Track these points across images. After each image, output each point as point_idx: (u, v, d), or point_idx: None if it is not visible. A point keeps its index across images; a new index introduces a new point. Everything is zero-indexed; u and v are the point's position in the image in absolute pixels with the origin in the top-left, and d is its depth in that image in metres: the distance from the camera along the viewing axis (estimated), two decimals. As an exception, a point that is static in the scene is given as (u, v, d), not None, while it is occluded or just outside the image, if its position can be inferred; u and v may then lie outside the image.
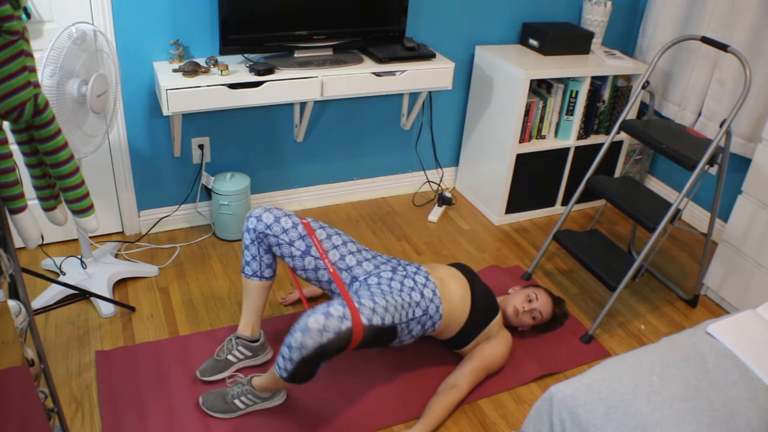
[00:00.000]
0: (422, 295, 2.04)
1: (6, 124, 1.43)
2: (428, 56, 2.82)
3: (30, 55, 1.40)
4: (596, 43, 3.25)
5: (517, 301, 2.34)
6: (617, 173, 3.45)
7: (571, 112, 3.10)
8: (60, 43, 1.95)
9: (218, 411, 1.98)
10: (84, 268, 2.49)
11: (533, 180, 3.19)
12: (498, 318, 2.24)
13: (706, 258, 2.64)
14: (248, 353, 2.16)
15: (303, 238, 2.09)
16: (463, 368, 2.15)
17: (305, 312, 1.78)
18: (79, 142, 2.15)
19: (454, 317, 2.13)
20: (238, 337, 2.16)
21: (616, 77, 3.15)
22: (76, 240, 2.80)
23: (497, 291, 2.69)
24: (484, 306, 2.19)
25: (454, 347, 2.24)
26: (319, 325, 1.72)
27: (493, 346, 2.20)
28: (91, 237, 2.79)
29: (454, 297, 2.12)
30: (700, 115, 3.10)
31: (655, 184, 3.59)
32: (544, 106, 3.07)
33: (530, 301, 2.34)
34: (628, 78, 3.24)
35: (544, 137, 3.16)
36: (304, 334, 1.72)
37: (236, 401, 1.99)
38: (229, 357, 2.14)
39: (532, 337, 2.45)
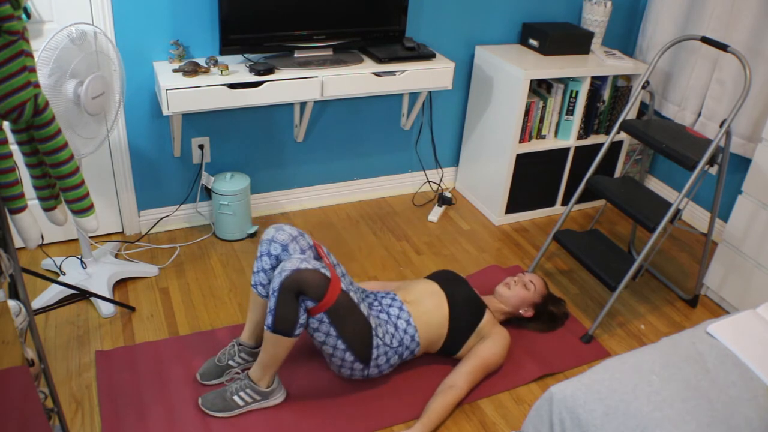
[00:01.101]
0: (396, 327, 2.11)
1: (6, 124, 1.43)
2: (428, 56, 2.82)
3: (30, 55, 1.40)
4: (596, 43, 3.25)
5: (505, 281, 2.41)
6: (617, 173, 3.45)
7: (571, 112, 3.10)
8: (54, 44, 1.94)
9: (217, 410, 1.98)
10: (84, 268, 2.49)
11: (533, 180, 3.19)
12: (488, 318, 2.24)
13: (706, 258, 2.64)
14: (249, 359, 2.16)
15: (311, 249, 2.12)
16: (461, 368, 2.15)
17: None
18: (79, 144, 2.15)
19: (433, 336, 2.18)
20: (240, 344, 2.16)
21: (616, 77, 3.15)
22: (76, 240, 2.80)
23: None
24: (465, 314, 2.20)
25: (447, 355, 2.25)
26: (301, 258, 1.88)
27: (488, 345, 2.20)
28: (91, 237, 2.79)
29: (430, 318, 2.16)
30: (700, 115, 3.10)
31: (655, 184, 3.59)
32: (544, 106, 3.07)
33: (517, 276, 2.43)
34: (628, 78, 3.24)
35: (544, 137, 3.16)
36: (286, 262, 1.87)
37: (235, 397, 1.99)
38: (230, 363, 2.14)
39: (532, 337, 2.45)
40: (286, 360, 2.23)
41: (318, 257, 2.10)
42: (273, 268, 2.07)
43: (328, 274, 1.90)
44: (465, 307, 2.20)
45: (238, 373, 2.13)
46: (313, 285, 1.85)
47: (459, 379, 2.12)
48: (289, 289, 1.84)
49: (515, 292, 2.37)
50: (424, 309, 2.17)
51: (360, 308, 2.00)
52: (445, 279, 2.29)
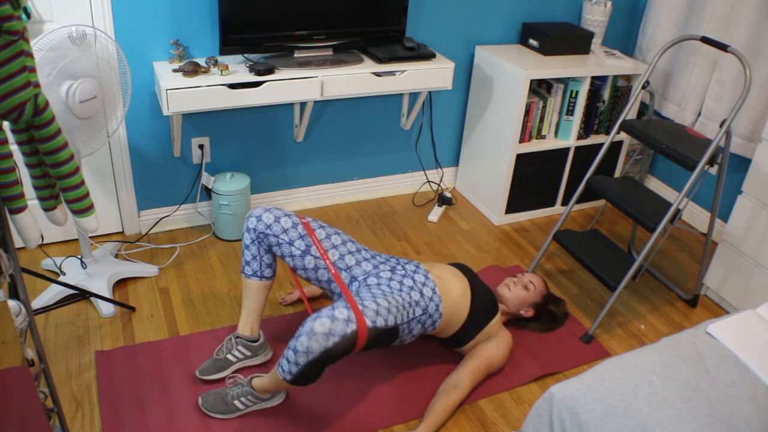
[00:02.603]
0: (422, 294, 2.04)
1: (6, 124, 1.43)
2: (428, 56, 2.82)
3: (30, 55, 1.40)
4: (596, 43, 3.25)
5: (505, 282, 2.41)
6: (617, 173, 3.45)
7: (571, 112, 3.10)
8: (43, 44, 1.94)
9: (218, 412, 1.98)
10: (84, 268, 2.49)
11: (533, 180, 3.19)
12: (497, 318, 2.24)
13: (706, 258, 2.64)
14: (248, 353, 2.16)
15: (303, 238, 2.09)
16: (464, 368, 2.15)
17: (309, 316, 1.78)
18: (79, 144, 2.15)
19: (454, 315, 2.13)
20: (237, 337, 2.16)
21: (616, 77, 3.15)
22: (76, 240, 2.80)
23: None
24: (483, 305, 2.19)
25: (454, 345, 2.24)
26: (324, 329, 1.72)
27: (493, 346, 2.20)
28: (91, 237, 2.79)
29: (454, 295, 2.12)
30: (700, 115, 3.10)
31: (655, 184, 3.59)
32: (544, 106, 3.07)
33: (516, 277, 2.42)
34: (628, 78, 3.24)
35: (544, 137, 3.16)
36: (310, 339, 1.72)
37: (236, 402, 1.99)
38: (229, 356, 2.14)
39: (532, 337, 2.45)
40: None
41: (306, 234, 2.09)
42: (268, 251, 2.11)
43: (354, 326, 1.76)
44: (484, 301, 2.20)
45: (240, 377, 2.11)
46: (341, 352, 1.76)
47: (462, 379, 2.12)
48: (318, 365, 1.76)
49: (515, 293, 2.37)
50: (450, 286, 2.13)
51: (390, 327, 1.88)
52: (467, 270, 2.29)
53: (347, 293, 1.93)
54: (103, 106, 2.19)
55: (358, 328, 1.77)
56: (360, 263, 2.12)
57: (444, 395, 2.07)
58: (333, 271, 2.06)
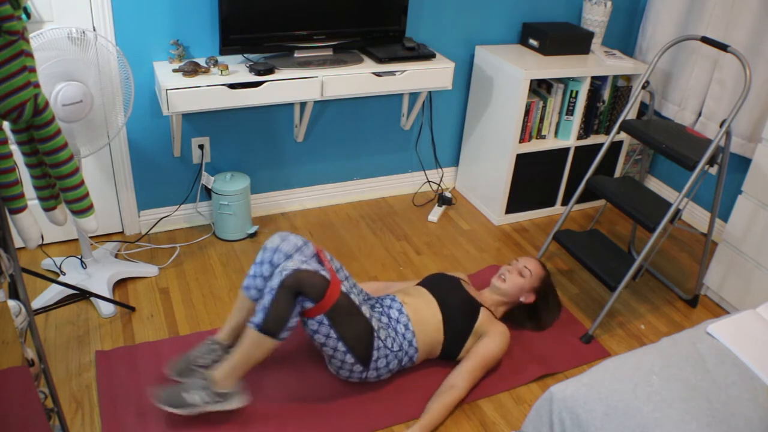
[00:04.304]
0: (396, 331, 2.11)
1: (6, 124, 1.43)
2: (428, 56, 2.82)
3: (30, 55, 1.40)
4: (596, 43, 3.25)
5: (499, 273, 2.38)
6: (617, 173, 3.45)
7: (571, 112, 3.10)
8: (35, 44, 1.94)
9: (171, 405, 1.90)
10: (84, 268, 2.49)
11: (533, 180, 3.19)
12: (483, 317, 2.22)
13: (706, 258, 2.64)
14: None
15: (314, 257, 2.13)
16: (461, 368, 2.15)
17: None
18: (79, 144, 2.15)
19: (431, 343, 2.18)
20: (215, 342, 2.11)
21: (616, 77, 3.15)
22: (76, 240, 2.80)
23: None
24: (458, 317, 2.19)
25: (448, 359, 2.25)
26: (303, 259, 1.91)
27: (486, 343, 2.19)
28: (91, 237, 2.79)
29: (427, 325, 2.16)
30: (700, 115, 3.10)
31: (655, 184, 3.59)
32: (544, 106, 3.07)
33: (511, 264, 2.40)
34: (628, 78, 3.24)
35: (544, 137, 3.16)
36: (287, 262, 1.89)
37: (192, 394, 1.91)
38: (200, 361, 2.07)
39: (532, 337, 2.45)
40: (285, 361, 2.23)
41: (320, 262, 2.10)
42: (272, 276, 2.06)
43: (328, 276, 1.90)
44: (458, 312, 2.19)
45: (201, 370, 2.05)
46: (313, 285, 1.86)
47: (459, 379, 2.12)
48: (288, 288, 1.84)
49: (512, 282, 2.34)
50: (421, 316, 2.16)
51: (361, 310, 2.00)
52: (436, 284, 2.28)
53: (331, 269, 2.03)
54: (91, 110, 2.16)
55: (331, 280, 1.90)
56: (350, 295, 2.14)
57: (441, 395, 2.07)
58: (329, 267, 2.08)
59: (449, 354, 2.22)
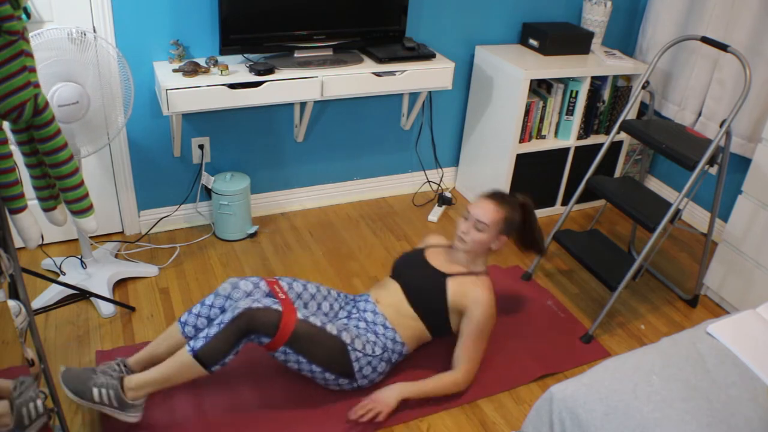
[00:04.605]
0: (376, 333, 2.08)
1: (6, 124, 1.43)
2: (428, 56, 2.82)
3: (30, 55, 1.41)
4: (596, 43, 3.25)
5: (457, 234, 2.18)
6: (617, 173, 3.45)
7: (571, 112, 3.10)
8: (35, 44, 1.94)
9: (72, 390, 1.80)
10: (84, 268, 2.49)
11: (533, 180, 3.19)
12: (453, 289, 2.10)
13: (706, 258, 2.64)
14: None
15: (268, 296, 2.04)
16: (456, 353, 2.12)
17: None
18: (78, 144, 2.15)
19: (415, 331, 2.14)
20: (124, 365, 1.96)
21: (616, 77, 3.15)
22: (76, 240, 2.80)
23: (498, 293, 2.68)
24: (426, 299, 2.11)
25: (443, 337, 2.20)
26: (254, 298, 1.89)
27: (468, 321, 2.09)
28: (91, 237, 2.79)
29: (401, 316, 2.12)
30: (700, 115, 3.10)
31: (655, 184, 3.59)
32: (544, 106, 3.07)
33: (466, 219, 2.17)
34: (628, 78, 3.24)
35: (544, 137, 3.16)
36: (239, 301, 1.88)
37: (95, 390, 1.81)
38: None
39: (532, 337, 2.45)
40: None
41: (274, 295, 2.02)
42: (224, 311, 2.00)
43: (280, 308, 1.89)
44: (423, 293, 2.12)
45: (115, 369, 1.92)
46: (265, 322, 1.85)
47: (456, 362, 2.11)
48: (237, 326, 1.83)
49: (472, 240, 2.14)
50: (395, 310, 2.12)
51: (326, 330, 1.95)
52: (400, 269, 2.21)
53: (279, 296, 2.01)
54: (88, 111, 2.15)
55: (283, 310, 1.88)
56: (321, 307, 2.12)
57: (440, 375, 2.08)
58: (273, 288, 2.04)
59: (440, 333, 2.17)
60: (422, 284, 2.13)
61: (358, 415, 1.97)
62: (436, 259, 2.21)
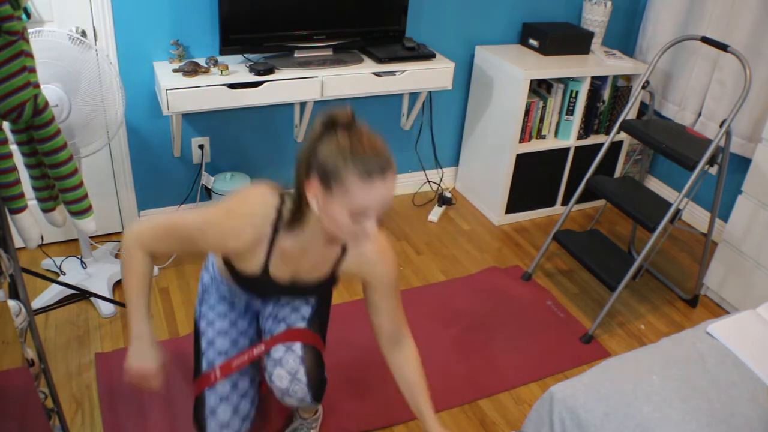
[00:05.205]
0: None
1: (6, 124, 1.43)
2: (428, 56, 2.82)
3: (30, 55, 1.41)
4: (596, 43, 3.25)
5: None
6: (617, 173, 3.45)
7: (571, 112, 3.10)
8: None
9: None
10: (84, 268, 2.49)
11: (533, 180, 3.19)
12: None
13: (706, 258, 2.64)
14: None
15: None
16: (385, 317, 1.64)
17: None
18: (78, 143, 2.15)
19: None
20: None
21: (616, 77, 3.15)
22: (76, 240, 2.80)
23: (497, 293, 2.68)
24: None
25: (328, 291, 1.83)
26: (286, 376, 1.61)
27: (377, 278, 1.68)
28: (91, 237, 2.79)
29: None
30: (700, 115, 3.10)
31: (655, 184, 3.58)
32: (544, 106, 3.07)
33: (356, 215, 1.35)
34: (628, 78, 3.24)
35: (544, 137, 3.16)
36: (287, 390, 1.62)
37: None
38: None
39: (532, 337, 2.45)
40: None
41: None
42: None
43: (300, 351, 1.64)
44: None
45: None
46: (317, 364, 1.66)
47: (397, 330, 1.65)
48: (317, 377, 1.66)
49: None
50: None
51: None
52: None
53: (269, 344, 1.69)
54: (69, 115, 2.12)
55: (313, 344, 1.64)
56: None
57: (410, 367, 1.64)
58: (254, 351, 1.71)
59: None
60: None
61: None
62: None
